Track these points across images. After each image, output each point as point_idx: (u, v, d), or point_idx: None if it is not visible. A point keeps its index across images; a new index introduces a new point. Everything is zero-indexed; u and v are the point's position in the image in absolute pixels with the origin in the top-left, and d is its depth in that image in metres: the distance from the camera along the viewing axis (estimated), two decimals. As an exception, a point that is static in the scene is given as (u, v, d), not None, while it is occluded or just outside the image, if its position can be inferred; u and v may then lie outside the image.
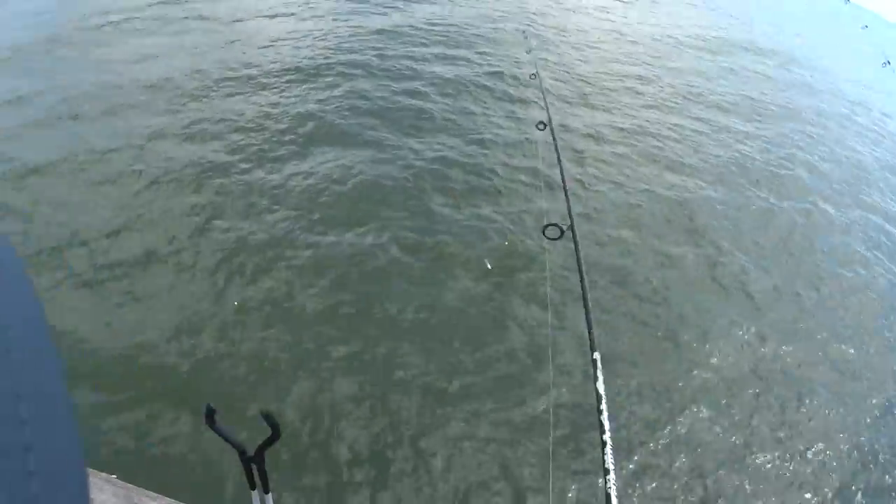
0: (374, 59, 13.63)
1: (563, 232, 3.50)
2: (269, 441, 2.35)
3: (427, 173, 9.67)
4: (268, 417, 2.29)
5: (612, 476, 2.18)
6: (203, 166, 9.56)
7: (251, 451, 2.41)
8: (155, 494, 3.56)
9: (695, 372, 6.96)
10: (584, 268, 3.34)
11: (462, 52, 14.58)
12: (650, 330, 7.46)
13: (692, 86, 15.15)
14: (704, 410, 6.54)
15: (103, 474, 3.54)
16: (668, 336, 7.42)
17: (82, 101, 11.49)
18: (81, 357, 6.20)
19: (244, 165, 9.58)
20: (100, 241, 7.92)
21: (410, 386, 6.20)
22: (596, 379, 2.65)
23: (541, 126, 5.42)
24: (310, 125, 10.85)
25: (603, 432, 2.38)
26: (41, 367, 0.41)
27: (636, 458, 5.94)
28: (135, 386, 5.92)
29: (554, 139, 5.16)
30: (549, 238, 3.56)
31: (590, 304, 3.08)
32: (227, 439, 2.37)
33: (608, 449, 2.30)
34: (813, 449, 6.47)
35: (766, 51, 20.36)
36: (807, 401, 7.01)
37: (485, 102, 12.24)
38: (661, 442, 6.11)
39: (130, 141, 10.22)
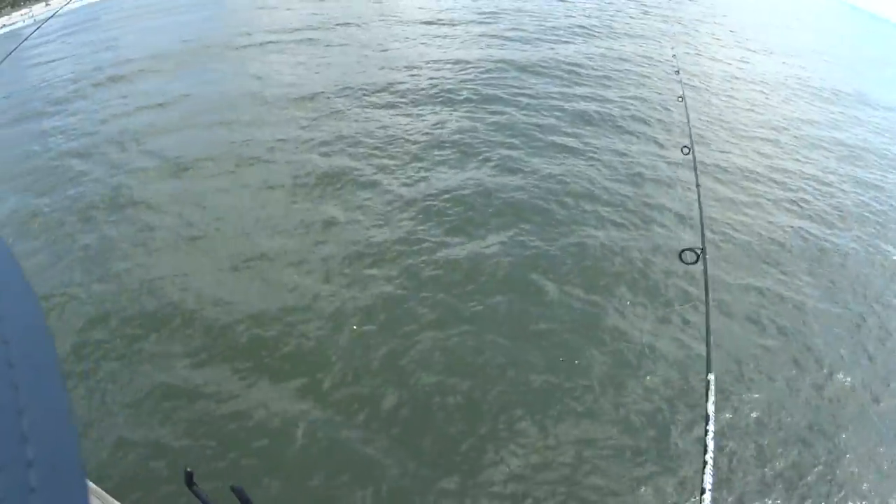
0: (515, 91, 13.50)
1: (698, 257, 3.59)
2: None
3: (564, 197, 9.33)
4: (239, 493, 2.22)
5: (707, 496, 2.13)
6: (339, 178, 9.69)
7: None
8: None
9: (812, 403, 6.52)
10: (710, 292, 3.39)
11: (599, 92, 14.33)
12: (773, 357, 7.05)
13: (819, 135, 14.62)
14: (817, 447, 6.03)
15: (92, 485, 3.51)
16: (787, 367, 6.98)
17: (228, 108, 12.05)
18: (203, 334, 6.74)
19: (384, 183, 9.60)
20: (234, 238, 8.26)
21: (514, 399, 6.03)
22: (707, 399, 2.59)
23: (685, 150, 5.41)
24: (447, 149, 10.79)
25: (706, 451, 2.34)
26: (44, 380, 0.39)
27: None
28: (250, 361, 6.38)
29: (695, 167, 5.15)
30: (685, 262, 3.61)
31: (711, 327, 3.07)
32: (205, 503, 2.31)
33: (708, 469, 2.24)
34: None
35: (883, 105, 19.64)
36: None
37: (629, 142, 11.93)
38: (767, 473, 5.65)
39: (271, 149, 10.57)
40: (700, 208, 4.36)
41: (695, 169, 5.03)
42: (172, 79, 13.57)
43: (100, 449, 5.45)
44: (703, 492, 2.12)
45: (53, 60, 18.62)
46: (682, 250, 3.67)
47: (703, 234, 3.92)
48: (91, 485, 3.67)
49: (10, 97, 15.48)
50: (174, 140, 10.71)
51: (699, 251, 3.63)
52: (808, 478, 5.67)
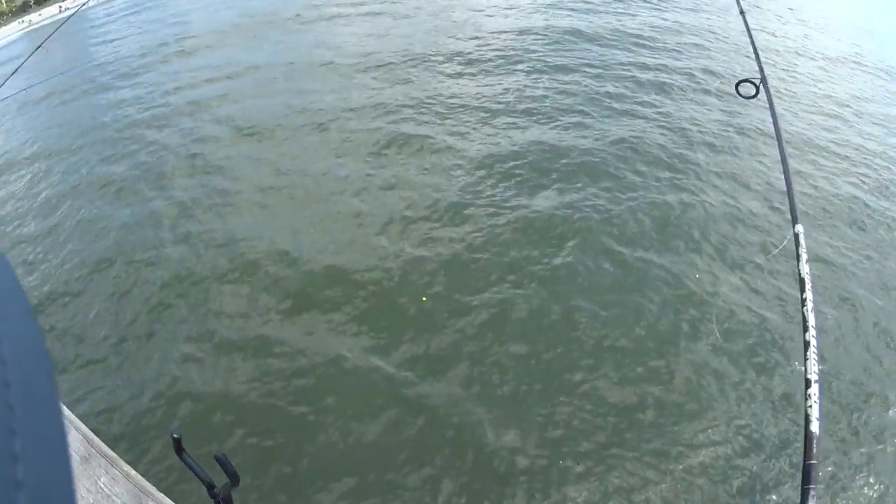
0: (582, 61, 13.30)
1: (757, 89, 3.08)
2: (230, 486, 2.22)
3: (636, 163, 9.20)
4: (223, 464, 2.11)
5: (814, 390, 1.62)
6: (411, 142, 9.79)
7: (219, 488, 2.24)
8: (164, 496, 3.49)
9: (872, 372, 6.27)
10: (780, 128, 2.85)
11: (667, 62, 14.05)
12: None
13: (878, 112, 14.18)
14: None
15: (125, 466, 3.59)
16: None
17: (298, 78, 12.34)
18: (276, 294, 6.96)
19: (456, 148, 9.63)
20: (307, 201, 8.47)
21: (582, 359, 6.02)
22: (798, 258, 2.07)
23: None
24: (517, 115, 10.70)
25: (806, 329, 1.77)
26: (33, 372, 0.37)
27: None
28: (322, 319, 6.55)
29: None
30: (742, 96, 3.14)
31: (790, 170, 2.55)
32: (194, 472, 2.22)
33: (812, 353, 1.71)
34: None
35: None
36: None
37: (699, 111, 11.77)
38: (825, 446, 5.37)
39: (343, 116, 10.73)
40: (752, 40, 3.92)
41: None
42: (240, 51, 13.87)
43: (173, 403, 5.70)
44: (808, 384, 1.64)
45: (120, 38, 19.12)
46: (739, 81, 3.15)
47: (760, 64, 3.40)
48: (105, 448, 3.78)
49: (80, 73, 15.92)
50: (245, 109, 10.96)
51: (758, 82, 3.10)
52: (863, 450, 5.54)
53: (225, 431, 5.32)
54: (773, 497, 4.81)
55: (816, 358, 1.70)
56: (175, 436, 2.22)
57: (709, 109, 11.48)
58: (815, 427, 1.56)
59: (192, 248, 7.76)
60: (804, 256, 2.08)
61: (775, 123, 2.92)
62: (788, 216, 2.35)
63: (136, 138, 10.98)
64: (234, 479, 2.21)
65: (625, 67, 13.01)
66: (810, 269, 2.03)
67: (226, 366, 6.02)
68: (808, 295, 1.91)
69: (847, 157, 11.09)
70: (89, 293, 7.37)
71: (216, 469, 2.19)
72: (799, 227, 2.22)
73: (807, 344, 1.75)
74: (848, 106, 13.92)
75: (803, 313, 1.86)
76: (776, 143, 2.82)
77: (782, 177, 2.67)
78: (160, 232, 8.18)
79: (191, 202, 8.66)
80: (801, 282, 1.98)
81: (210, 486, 2.24)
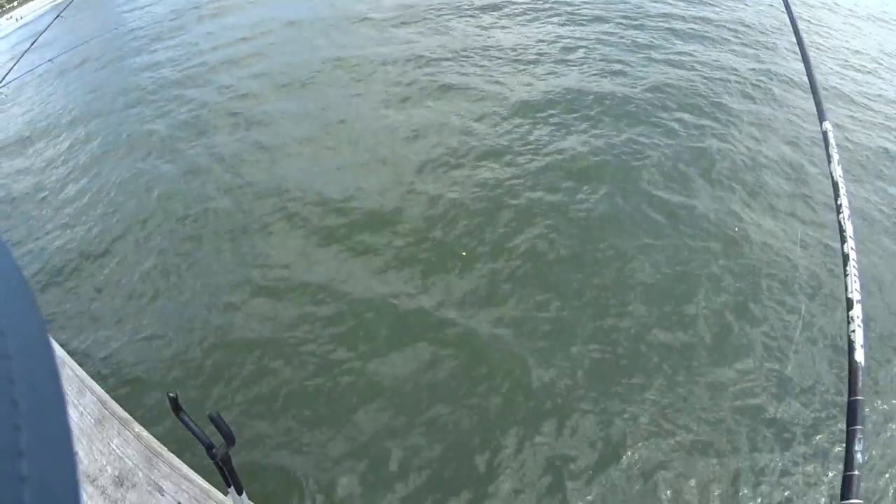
0: (617, 12, 13.22)
1: None
2: (226, 446, 2.14)
3: (675, 110, 9.22)
4: (217, 423, 2.02)
5: (857, 311, 1.44)
6: (449, 89, 9.93)
7: (217, 449, 2.17)
8: (173, 457, 3.56)
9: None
10: (797, 22, 2.63)
11: (702, 14, 13.90)
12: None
13: None
14: None
15: (137, 427, 3.67)
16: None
17: (335, 31, 12.55)
18: (319, 238, 7.17)
19: (494, 94, 9.72)
20: (349, 148, 8.70)
21: (623, 294, 6.14)
22: (829, 159, 1.85)
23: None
24: (554, 64, 10.75)
25: (843, 241, 1.56)
26: (37, 368, 0.38)
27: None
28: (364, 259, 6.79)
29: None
30: None
31: (812, 69, 2.29)
32: (193, 433, 2.15)
33: (851, 267, 1.51)
34: None
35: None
36: None
37: (736, 60, 11.69)
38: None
39: (381, 66, 10.85)
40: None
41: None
42: (274, 10, 13.99)
43: (214, 351, 5.87)
44: (849, 304, 1.46)
45: (152, 3, 19.18)
46: None
47: None
48: (119, 410, 3.92)
49: (115, 38, 16.01)
50: (282, 65, 11.11)
51: None
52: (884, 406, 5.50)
53: (270, 375, 5.50)
54: (815, 441, 4.85)
55: (857, 274, 1.51)
56: (171, 395, 2.17)
57: (746, 59, 11.36)
58: (859, 356, 1.39)
59: (236, 201, 7.92)
60: (835, 157, 1.86)
61: (791, 19, 2.72)
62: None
63: (174, 98, 11.13)
64: (228, 439, 2.16)
65: (661, 19, 12.92)
66: (843, 171, 1.81)
67: (269, 314, 6.18)
68: (843, 201, 1.69)
69: (881, 111, 10.93)
70: (134, 251, 7.54)
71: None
72: (827, 125, 1.99)
73: (846, 257, 1.55)
74: (879, 62, 13.73)
75: (839, 221, 1.65)
76: (801, 59, 2.53)
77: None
78: (203, 187, 8.33)
79: (232, 156, 8.82)
80: (835, 186, 1.77)
81: (209, 447, 2.20)
